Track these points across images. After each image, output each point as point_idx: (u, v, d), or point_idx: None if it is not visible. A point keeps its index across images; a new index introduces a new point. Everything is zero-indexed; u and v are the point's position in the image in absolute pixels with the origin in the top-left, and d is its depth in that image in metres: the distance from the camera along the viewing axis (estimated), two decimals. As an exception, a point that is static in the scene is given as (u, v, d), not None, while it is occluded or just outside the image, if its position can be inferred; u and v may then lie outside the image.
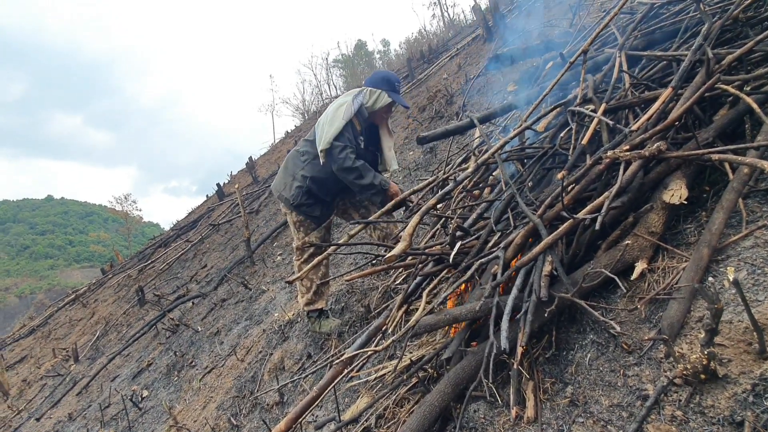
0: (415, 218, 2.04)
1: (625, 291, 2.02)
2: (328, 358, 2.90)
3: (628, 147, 2.12)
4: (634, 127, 2.24)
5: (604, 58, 2.97)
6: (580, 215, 1.95)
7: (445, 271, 2.38)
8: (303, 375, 2.66)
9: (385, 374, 2.61)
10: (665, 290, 1.93)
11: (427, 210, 2.12)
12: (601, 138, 2.39)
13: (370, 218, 2.58)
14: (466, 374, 1.96)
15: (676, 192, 1.96)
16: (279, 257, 6.44)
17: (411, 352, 2.73)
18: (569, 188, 2.18)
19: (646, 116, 2.25)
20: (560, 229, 1.97)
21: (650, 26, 3.02)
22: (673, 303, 1.82)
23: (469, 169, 2.32)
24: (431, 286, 2.31)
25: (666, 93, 2.28)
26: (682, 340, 1.76)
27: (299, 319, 4.10)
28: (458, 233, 2.34)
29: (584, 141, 2.37)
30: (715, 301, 1.47)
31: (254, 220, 8.79)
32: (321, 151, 3.19)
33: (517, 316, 1.95)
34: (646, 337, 1.82)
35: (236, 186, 6.93)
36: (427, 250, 2.21)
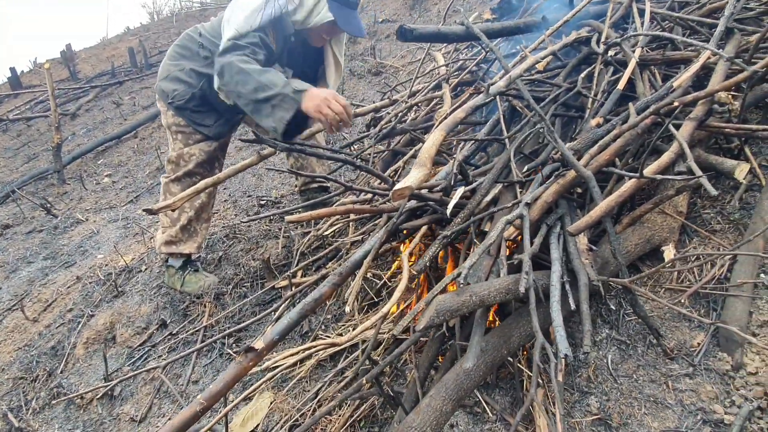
0: (437, 134, 1.24)
1: (644, 278, 1.60)
2: (214, 336, 1.92)
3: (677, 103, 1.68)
4: (676, 84, 1.81)
5: None
6: (649, 173, 1.42)
7: (424, 227, 1.64)
8: (155, 356, 1.64)
9: (299, 362, 1.77)
10: (711, 283, 1.56)
11: (455, 123, 1.33)
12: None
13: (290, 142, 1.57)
14: (472, 383, 1.28)
15: (744, 168, 1.58)
16: (106, 178, 4.73)
17: (332, 332, 1.93)
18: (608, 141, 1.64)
19: (689, 73, 1.83)
20: (623, 189, 1.42)
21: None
22: (735, 302, 1.45)
23: (500, 82, 1.58)
24: (416, 241, 1.55)
25: (706, 55, 1.91)
26: (747, 348, 1.40)
27: (144, 266, 2.86)
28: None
29: (620, 86, 1.87)
30: None
31: (69, 126, 6.49)
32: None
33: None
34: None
35: (46, 67, 4.81)
36: (428, 194, 1.43)
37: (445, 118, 2.01)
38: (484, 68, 2.51)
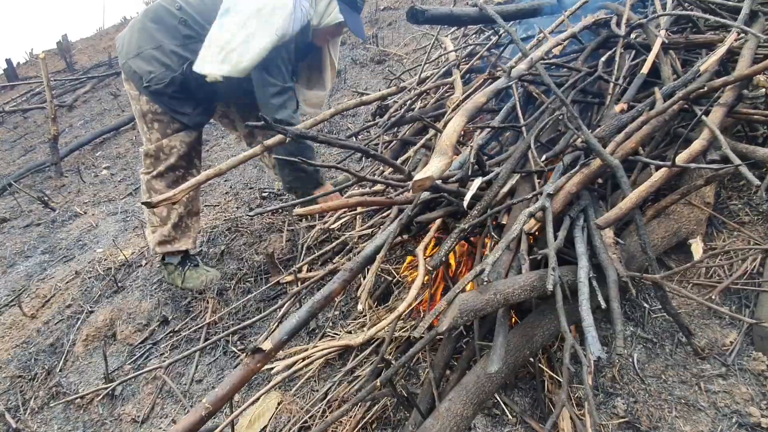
0: (458, 120, 1.15)
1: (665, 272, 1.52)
2: (217, 334, 1.85)
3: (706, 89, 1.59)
4: (703, 68, 1.72)
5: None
6: (683, 163, 1.33)
7: (438, 221, 1.56)
8: (157, 354, 1.57)
9: (308, 362, 1.69)
10: (742, 278, 1.48)
11: (476, 107, 1.23)
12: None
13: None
14: (494, 386, 1.20)
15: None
16: (105, 170, 4.64)
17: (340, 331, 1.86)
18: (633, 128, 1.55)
19: (716, 56, 1.74)
20: (654, 179, 1.33)
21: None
22: (770, 298, 1.37)
23: (521, 65, 1.48)
24: (430, 234, 1.46)
25: (733, 36, 1.81)
26: (783, 348, 1.32)
27: (144, 261, 2.78)
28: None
29: (645, 70, 1.77)
30: None
31: (66, 118, 6.38)
32: (237, 70, 1.98)
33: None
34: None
35: (41, 57, 4.68)
36: (444, 185, 1.34)
37: (460, 103, 1.92)
38: (495, 54, 2.40)
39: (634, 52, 1.97)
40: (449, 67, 2.29)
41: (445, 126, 1.53)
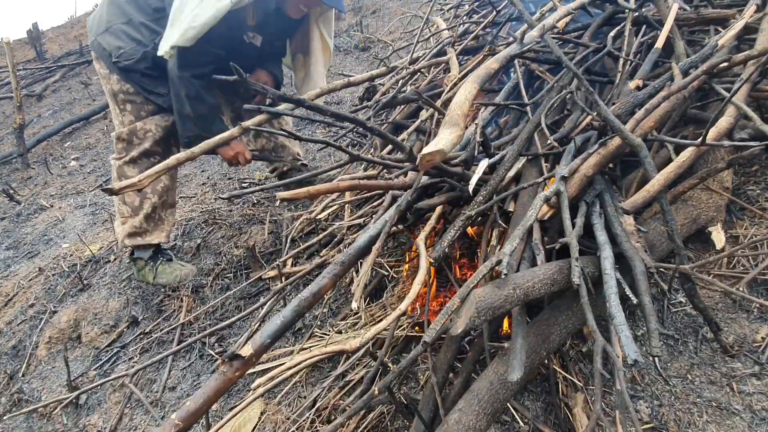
0: (469, 87, 0.98)
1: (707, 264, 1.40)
2: (193, 335, 1.67)
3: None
4: (720, 42, 1.59)
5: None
6: (716, 140, 1.20)
7: (439, 209, 1.40)
8: (125, 358, 1.37)
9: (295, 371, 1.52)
10: (770, 268, 1.35)
11: (488, 74, 1.07)
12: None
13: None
14: (509, 393, 1.05)
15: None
16: (74, 162, 4.36)
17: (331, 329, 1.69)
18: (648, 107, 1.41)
19: (734, 30, 1.62)
20: (681, 158, 1.20)
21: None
22: (804, 289, 1.25)
23: (533, 32, 1.32)
24: (431, 223, 1.31)
25: (752, 9, 1.69)
26: (821, 343, 1.20)
27: (113, 256, 2.56)
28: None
29: (659, 44, 1.64)
30: None
31: (35, 108, 6.03)
32: (185, 38, 1.74)
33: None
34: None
35: (5, 42, 4.36)
36: (448, 167, 1.18)
37: (458, 81, 1.76)
38: (491, 33, 2.25)
39: (644, 27, 1.84)
40: (443, 46, 2.12)
41: (447, 102, 1.37)
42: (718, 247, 1.42)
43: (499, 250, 1.37)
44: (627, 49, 1.71)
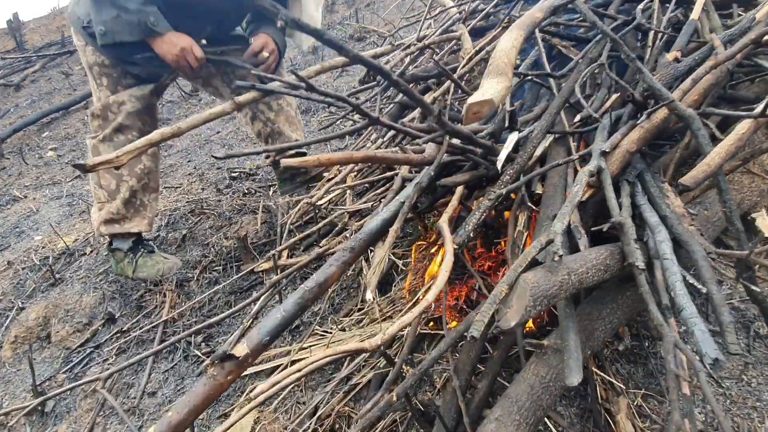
0: (514, 33, 0.83)
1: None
2: (177, 334, 1.49)
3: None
4: (759, 15, 1.47)
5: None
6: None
7: (460, 189, 1.24)
8: (99, 360, 1.18)
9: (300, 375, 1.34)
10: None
11: (534, 22, 0.92)
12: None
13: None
14: (553, 397, 0.89)
15: None
16: (51, 152, 4.11)
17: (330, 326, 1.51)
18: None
19: (773, 1, 1.49)
20: (740, 130, 1.06)
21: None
22: None
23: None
24: (453, 204, 1.15)
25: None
26: None
27: (89, 248, 2.35)
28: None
29: (695, 15, 1.51)
30: None
31: (11, 98, 5.75)
32: None
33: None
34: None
35: (-22, 23, 4.11)
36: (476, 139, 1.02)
37: (474, 56, 1.61)
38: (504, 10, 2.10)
39: (672, 2, 1.71)
40: (453, 22, 1.97)
41: (462, 77, 1.21)
42: (767, 234, 1.29)
43: (527, 235, 1.22)
44: (657, 24, 1.58)
